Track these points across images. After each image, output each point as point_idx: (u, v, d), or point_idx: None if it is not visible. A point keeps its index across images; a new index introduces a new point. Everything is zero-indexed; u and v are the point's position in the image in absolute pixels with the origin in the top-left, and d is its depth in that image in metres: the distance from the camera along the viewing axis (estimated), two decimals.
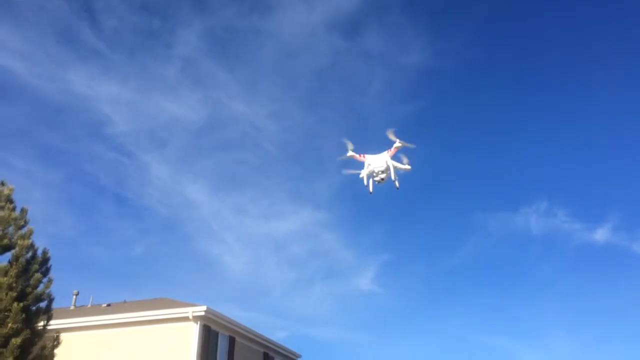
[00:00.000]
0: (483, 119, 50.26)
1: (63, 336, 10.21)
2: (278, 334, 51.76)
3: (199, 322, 17.07)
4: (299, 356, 24.50)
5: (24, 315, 8.84)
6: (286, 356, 23.69)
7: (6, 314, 8.57)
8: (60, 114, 45.86)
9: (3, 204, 9.61)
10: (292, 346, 24.08)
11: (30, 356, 9.02)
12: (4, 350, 8.31)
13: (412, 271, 52.47)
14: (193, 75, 47.21)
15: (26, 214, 9.90)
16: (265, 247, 52.48)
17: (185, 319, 17.02)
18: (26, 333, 8.79)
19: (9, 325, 8.50)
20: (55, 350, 9.80)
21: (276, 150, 51.45)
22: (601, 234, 46.80)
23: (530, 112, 48.80)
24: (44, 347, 9.41)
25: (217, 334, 18.22)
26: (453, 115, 49.07)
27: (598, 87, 46.14)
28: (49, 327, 9.80)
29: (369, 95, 47.73)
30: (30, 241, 9.56)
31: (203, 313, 16.98)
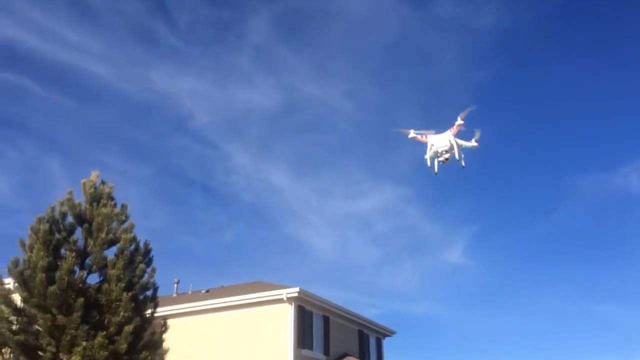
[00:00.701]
0: (569, 75, 47.14)
1: (169, 322, 10.77)
2: (370, 312, 52.10)
3: (293, 303, 17.48)
4: (394, 332, 24.49)
5: (133, 304, 9.36)
6: (381, 333, 23.78)
7: (117, 303, 9.12)
8: (145, 112, 48.19)
9: (105, 201, 10.18)
10: (384, 323, 24.13)
11: (142, 342, 9.57)
12: (119, 337, 8.86)
13: (502, 242, 50.73)
14: (265, 62, 47.86)
15: (126, 210, 10.45)
16: (350, 226, 52.71)
17: (280, 300, 17.48)
18: (137, 320, 9.31)
19: (121, 313, 9.05)
20: (164, 335, 10.35)
21: (352, 128, 51.25)
22: None
23: (621, 63, 45.21)
24: (153, 333, 9.96)
25: (311, 313, 18.58)
26: (534, 74, 46.39)
27: None
28: (156, 314, 10.36)
29: (443, 64, 46.13)
30: (132, 234, 10.09)
31: (296, 294, 17.35)
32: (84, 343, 8.23)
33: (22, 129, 46.93)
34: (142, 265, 10.02)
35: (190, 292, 22.33)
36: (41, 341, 8.33)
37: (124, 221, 10.24)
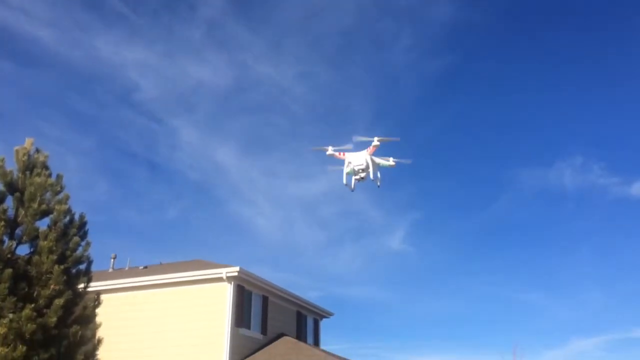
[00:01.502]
0: (515, 72, 48.84)
1: (103, 297, 10.55)
2: (310, 294, 52.72)
3: (232, 282, 17.50)
4: (332, 314, 24.99)
5: (65, 277, 9.11)
6: (319, 314, 24.18)
7: (48, 276, 8.85)
8: (90, 81, 46.39)
9: (39, 170, 9.80)
10: (324, 305, 24.56)
11: (73, 316, 9.35)
12: (48, 310, 8.63)
13: (443, 229, 52.36)
14: (218, 37, 46.93)
15: (62, 180, 10.10)
16: (296, 208, 52.95)
17: (220, 279, 17.46)
18: (68, 294, 9.07)
19: (52, 286, 8.79)
20: (96, 310, 10.15)
21: (304, 111, 51.23)
22: (637, 188, 45.69)
23: (565, 65, 47.18)
24: (85, 307, 9.74)
25: (250, 293, 18.66)
26: (484, 69, 47.82)
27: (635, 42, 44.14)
28: (89, 289, 10.13)
29: (397, 52, 46.71)
30: (67, 206, 9.78)
31: (236, 273, 17.38)
32: (10, 315, 7.97)
33: None
34: (76, 238, 9.77)
35: (127, 268, 21.94)
36: None
37: (59, 192, 9.91)
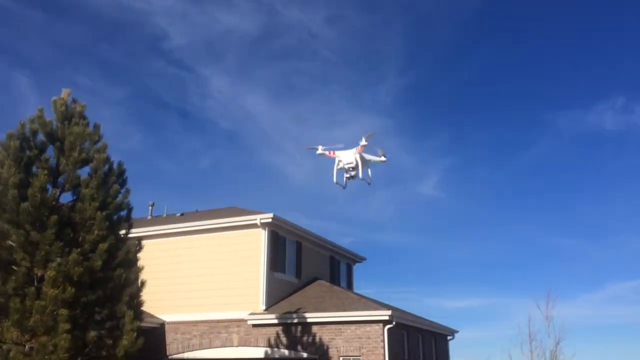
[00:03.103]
0: (552, 14, 46.66)
1: (143, 243, 10.94)
2: (343, 240, 53.50)
3: (266, 228, 17.85)
4: (364, 259, 25.37)
5: (107, 223, 9.45)
6: (351, 259, 24.59)
7: (91, 222, 9.19)
8: (119, 29, 46.40)
9: (77, 120, 10.01)
10: (356, 250, 24.93)
11: (117, 260, 9.75)
12: (93, 254, 9.00)
13: (477, 175, 51.82)
14: None
15: (99, 130, 10.30)
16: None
17: (254, 225, 17.82)
18: (111, 239, 9.43)
19: (95, 232, 9.14)
20: (138, 255, 10.55)
21: (334, 56, 50.32)
22: None
23: (605, 5, 44.80)
24: (128, 252, 10.13)
25: (284, 239, 19.04)
26: (520, 10, 45.84)
27: None
28: (130, 235, 10.50)
29: None
30: (105, 155, 10.01)
31: (270, 220, 17.69)
32: (58, 259, 8.35)
33: None
34: (115, 186, 10.05)
35: (164, 215, 22.55)
36: (15, 256, 8.41)
37: (97, 141, 10.13)
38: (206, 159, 55.46)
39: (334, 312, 16.55)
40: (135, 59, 48.04)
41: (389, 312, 15.90)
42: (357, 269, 25.27)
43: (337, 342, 16.28)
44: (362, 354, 15.85)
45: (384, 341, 15.74)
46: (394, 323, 15.95)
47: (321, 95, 51.44)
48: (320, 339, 16.44)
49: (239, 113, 52.39)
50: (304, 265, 20.05)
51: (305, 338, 16.60)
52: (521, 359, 22.61)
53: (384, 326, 15.87)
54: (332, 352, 16.22)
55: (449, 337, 23.37)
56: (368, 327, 16.03)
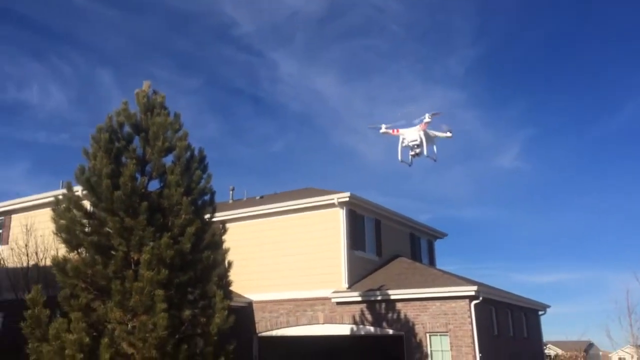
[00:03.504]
0: None
1: (226, 226, 11.27)
2: (421, 217, 52.80)
3: (344, 207, 17.91)
4: (445, 235, 24.91)
5: (193, 208, 9.81)
6: (432, 235, 24.22)
7: (178, 207, 9.57)
8: (189, 20, 47.72)
9: (159, 110, 10.40)
10: (436, 226, 24.50)
11: (204, 243, 10.11)
12: (182, 238, 9.38)
13: (559, 143, 49.27)
14: None
15: (179, 119, 10.65)
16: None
17: (332, 205, 17.93)
18: (197, 223, 9.78)
19: (183, 216, 9.51)
20: (223, 237, 10.89)
21: (403, 31, 49.26)
22: None
23: None
24: (214, 234, 10.48)
25: (362, 217, 19.03)
26: None
27: None
28: (214, 219, 10.85)
29: None
30: (187, 142, 10.35)
31: (347, 199, 17.72)
32: (151, 243, 8.76)
33: (72, 42, 47.72)
34: (198, 172, 10.36)
35: (245, 199, 23.17)
36: (112, 241, 8.93)
37: (178, 130, 10.48)
38: (279, 142, 56.39)
39: (417, 288, 16.40)
40: (207, 48, 49.38)
41: (475, 288, 15.53)
42: (438, 245, 24.89)
43: (422, 319, 16.15)
44: (449, 330, 15.63)
45: (470, 317, 15.42)
46: (480, 298, 15.58)
47: (391, 71, 50.65)
48: (405, 315, 16.36)
49: (310, 95, 52.69)
50: (384, 242, 19.96)
51: (389, 315, 16.58)
52: (620, 334, 21.42)
53: (471, 302, 15.53)
54: (418, 328, 16.11)
55: (540, 312, 22.58)
56: (454, 303, 15.76)
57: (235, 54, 48.87)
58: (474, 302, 15.52)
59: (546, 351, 39.51)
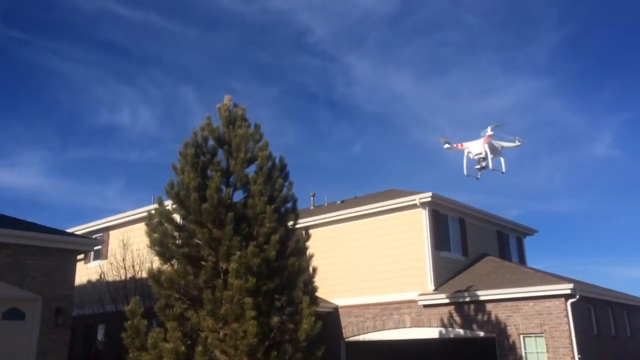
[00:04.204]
0: None
1: (309, 232, 11.41)
2: (508, 213, 50.82)
3: (427, 208, 17.59)
4: (535, 231, 23.82)
5: (276, 216, 10.01)
6: (521, 232, 23.27)
7: (262, 216, 9.80)
8: (265, 32, 48.91)
9: (240, 123, 10.72)
10: (526, 223, 23.50)
11: (288, 249, 10.30)
12: (267, 246, 9.60)
13: None
14: None
15: (259, 129, 10.93)
16: (482, 126, 50.47)
17: (414, 206, 17.67)
18: (281, 230, 9.97)
19: (267, 225, 9.73)
20: (307, 243, 11.03)
21: (479, 21, 47.76)
22: None
23: None
24: (298, 241, 10.64)
25: (446, 217, 18.61)
26: None
27: None
28: (297, 226, 11.02)
29: None
30: (268, 152, 10.59)
31: (429, 199, 17.40)
32: (238, 252, 9.02)
33: (156, 63, 50.40)
34: (280, 180, 10.56)
35: (326, 204, 23.37)
36: (202, 252, 9.30)
37: (259, 140, 10.74)
38: (358, 145, 56.37)
39: (508, 288, 15.79)
40: (283, 57, 50.38)
41: (571, 285, 14.73)
42: (528, 242, 23.85)
43: (515, 320, 15.53)
44: (545, 331, 14.92)
45: (567, 316, 14.65)
46: (577, 296, 14.76)
47: (469, 64, 49.17)
48: (496, 316, 15.81)
49: (386, 95, 52.29)
50: (469, 242, 19.41)
51: (479, 316, 16.09)
52: None
53: (567, 300, 14.75)
54: (511, 329, 15.51)
55: None
56: (548, 303, 15.03)
57: (310, 60, 49.55)
58: (571, 300, 14.72)
59: None
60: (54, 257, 11.79)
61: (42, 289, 11.53)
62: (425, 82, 51.70)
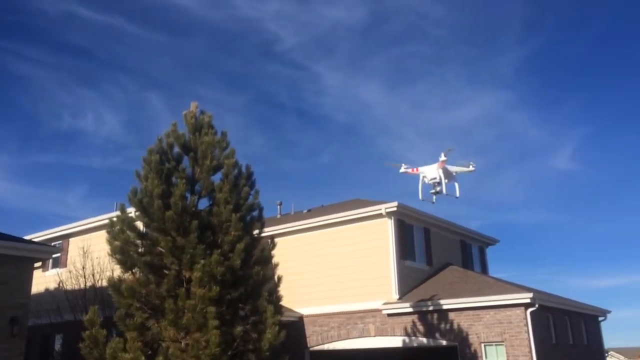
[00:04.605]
0: None
1: (275, 240, 11.38)
2: (471, 223, 51.73)
3: (392, 217, 17.77)
4: (497, 241, 24.32)
5: (242, 224, 9.94)
6: (484, 242, 23.71)
7: (227, 224, 9.73)
8: (234, 39, 48.78)
9: (206, 130, 10.65)
10: (488, 233, 23.97)
11: (253, 258, 10.24)
12: (232, 254, 9.53)
13: (616, 142, 47.36)
14: None
15: (226, 137, 10.86)
16: (448, 138, 51.54)
17: (379, 215, 17.83)
18: (247, 239, 9.91)
19: (232, 233, 9.66)
20: (272, 252, 10.99)
21: (446, 34, 48.74)
22: None
23: None
24: (263, 250, 10.60)
25: (411, 227, 18.83)
26: None
27: None
28: (263, 234, 10.98)
29: None
30: (234, 160, 10.53)
31: (395, 208, 17.59)
32: (202, 261, 8.92)
33: (122, 68, 49.62)
34: (246, 188, 10.51)
35: (292, 213, 23.36)
36: (165, 261, 9.16)
37: (225, 148, 10.68)
38: (326, 155, 56.63)
39: (470, 297, 16.06)
40: (252, 65, 50.30)
41: (530, 294, 15.08)
42: (490, 252, 24.34)
43: (476, 328, 15.78)
44: (505, 340, 15.21)
45: (527, 325, 14.97)
46: (536, 305, 15.11)
47: (437, 76, 50.09)
48: (459, 325, 16.04)
49: (355, 105, 52.71)
50: (434, 251, 19.68)
51: (442, 325, 16.29)
52: None
53: (526, 309, 15.09)
54: (472, 338, 15.76)
55: (600, 318, 21.67)
56: (509, 312, 15.34)
57: (279, 69, 49.62)
58: (530, 309, 15.07)
59: (608, 359, 37.80)
60: (10, 264, 11.40)
61: None
62: (394, 93, 52.41)
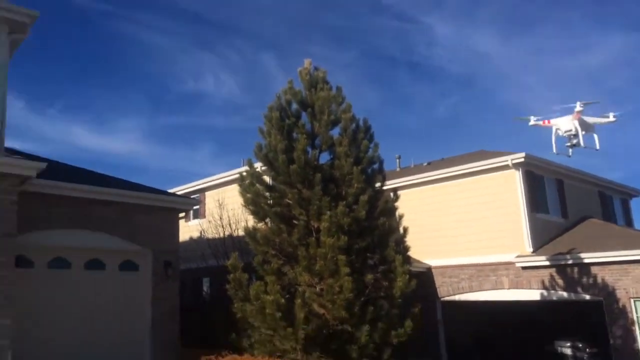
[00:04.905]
0: None
1: (398, 193, 11.18)
2: (613, 174, 47.57)
3: (520, 169, 16.75)
4: None
5: (363, 177, 9.92)
6: (627, 193, 21.68)
7: (349, 177, 9.75)
8: None
9: (322, 85, 10.68)
10: (633, 184, 21.84)
11: (377, 210, 10.18)
12: (356, 206, 9.54)
13: None
14: None
15: (341, 92, 10.82)
16: (575, 85, 47.52)
17: (506, 167, 16.88)
18: (370, 191, 9.88)
19: (355, 185, 9.67)
20: (395, 204, 10.85)
21: None
22: None
23: None
24: (386, 202, 10.50)
25: (542, 178, 17.65)
26: None
27: None
28: (384, 187, 10.87)
29: None
30: (351, 114, 10.48)
31: (522, 159, 16.54)
32: (328, 212, 9.04)
33: (236, 31, 51.78)
34: (365, 142, 10.43)
35: (412, 166, 22.81)
36: (293, 211, 9.42)
37: (341, 102, 10.66)
38: (442, 107, 54.78)
39: (615, 250, 14.74)
40: (359, 20, 49.57)
41: None
42: (635, 204, 22.15)
43: (624, 283, 14.52)
44: None
45: None
46: None
47: (558, 18, 45.97)
48: (603, 279, 14.85)
49: (470, 56, 50.09)
50: (569, 204, 18.32)
51: (584, 279, 15.18)
52: None
53: None
54: (620, 293, 14.53)
55: None
56: None
57: (388, 22, 48.47)
58: None
59: None
60: (158, 215, 12.44)
61: (151, 243, 12.19)
62: (511, 39, 49.04)
